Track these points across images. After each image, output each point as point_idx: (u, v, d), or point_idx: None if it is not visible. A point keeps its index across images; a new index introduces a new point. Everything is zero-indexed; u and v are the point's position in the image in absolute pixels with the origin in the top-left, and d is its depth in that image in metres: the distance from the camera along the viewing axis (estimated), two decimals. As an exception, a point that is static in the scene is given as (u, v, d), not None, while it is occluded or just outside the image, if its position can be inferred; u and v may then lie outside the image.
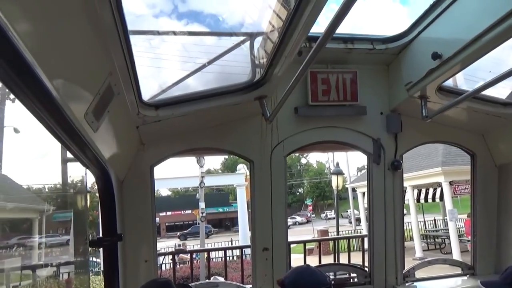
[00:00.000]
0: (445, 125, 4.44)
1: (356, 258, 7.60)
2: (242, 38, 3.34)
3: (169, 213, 48.59)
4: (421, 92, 3.78)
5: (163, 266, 11.92)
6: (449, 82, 3.84)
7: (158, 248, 4.17)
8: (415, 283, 4.45)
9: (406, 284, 4.39)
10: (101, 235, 3.00)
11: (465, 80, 4.09)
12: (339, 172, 20.13)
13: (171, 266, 9.00)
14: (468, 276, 4.67)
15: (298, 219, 52.31)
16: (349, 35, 3.85)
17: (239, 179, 20.00)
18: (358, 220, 28.69)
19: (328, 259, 11.43)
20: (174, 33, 3.18)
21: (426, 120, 3.84)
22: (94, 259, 15.54)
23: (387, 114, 4.27)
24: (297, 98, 3.97)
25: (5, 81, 1.27)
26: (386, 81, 4.19)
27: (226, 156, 64.51)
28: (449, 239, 17.03)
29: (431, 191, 20.15)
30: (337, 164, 21.44)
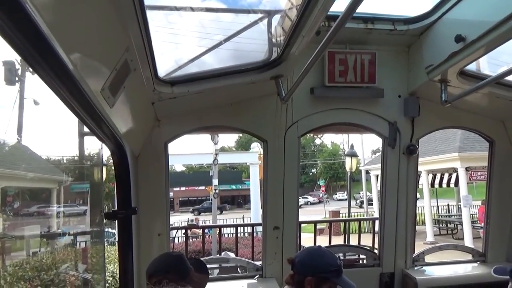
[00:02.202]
0: (465, 111, 4.34)
1: (366, 240, 7.64)
2: (260, 15, 3.28)
3: (183, 188, 49.45)
4: (442, 76, 3.67)
5: (176, 239, 12.22)
6: (471, 66, 3.72)
7: (171, 222, 4.27)
8: (424, 267, 4.46)
9: (415, 268, 4.41)
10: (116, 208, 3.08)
11: (488, 63, 3.96)
12: (353, 154, 20.02)
13: (184, 240, 9.23)
14: (479, 263, 4.66)
15: (310, 199, 52.59)
16: (370, 15, 3.74)
17: (252, 157, 20.08)
18: (369, 200, 28.78)
19: (338, 240, 11.51)
20: (192, 9, 3.14)
21: (445, 105, 3.75)
22: (110, 230, 16.04)
23: (405, 97, 4.18)
24: (313, 78, 3.92)
25: (25, 56, 1.28)
26: (406, 63, 4.09)
27: (241, 134, 64.75)
28: (462, 225, 16.94)
29: (446, 176, 19.93)
30: (352, 146, 21.31)
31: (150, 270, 2.43)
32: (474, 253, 4.78)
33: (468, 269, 4.66)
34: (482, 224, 16.03)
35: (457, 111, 4.27)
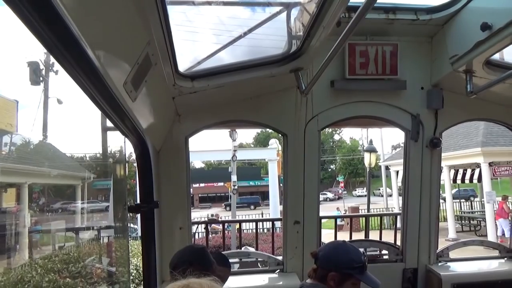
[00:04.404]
0: (491, 102, 4.20)
1: (387, 237, 7.52)
2: (278, 8, 3.26)
3: (202, 184, 49.88)
4: (467, 66, 3.57)
5: (196, 234, 12.36)
6: (497, 56, 3.59)
7: (191, 218, 4.31)
8: (448, 263, 4.36)
9: (440, 264, 4.32)
10: (138, 202, 3.13)
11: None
12: (372, 150, 19.84)
13: (204, 235, 9.33)
14: (506, 259, 4.52)
15: (329, 195, 52.26)
16: (391, 5, 3.66)
17: (271, 153, 20.12)
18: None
19: (358, 236, 11.39)
20: (209, 3, 3.15)
21: (470, 96, 3.65)
22: (132, 225, 16.40)
23: (428, 89, 4.08)
24: (334, 71, 3.87)
25: (53, 52, 1.32)
26: (429, 54, 3.98)
27: (259, 131, 64.85)
28: (485, 221, 16.58)
29: (469, 171, 19.48)
30: (371, 141, 21.15)
31: (174, 262, 2.47)
32: (501, 249, 4.64)
33: (494, 265, 4.52)
34: (498, 220, 15.91)
35: (483, 103, 4.14)
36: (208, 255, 2.54)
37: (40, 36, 1.19)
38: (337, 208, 27.82)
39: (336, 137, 72.14)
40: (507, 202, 16.93)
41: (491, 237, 15.36)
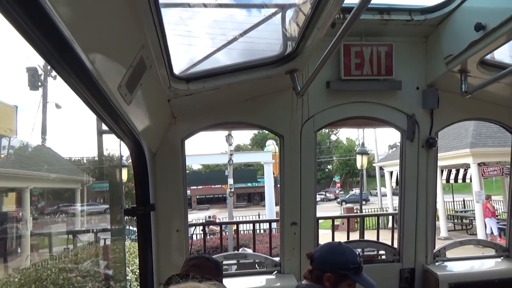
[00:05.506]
0: (486, 101, 4.22)
1: (383, 236, 7.54)
2: (273, 10, 3.26)
3: (200, 186, 49.93)
4: (462, 66, 3.58)
5: (194, 236, 12.37)
6: (491, 56, 3.61)
7: (189, 220, 4.29)
8: (445, 263, 4.38)
9: (436, 264, 4.33)
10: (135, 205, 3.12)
11: (509, 53, 3.84)
12: (364, 152, 20.20)
13: (202, 236, 9.34)
14: (502, 258, 4.54)
15: (327, 195, 52.47)
16: (385, 5, 3.67)
17: (266, 156, 20.27)
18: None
19: (354, 236, 11.41)
20: (205, 5, 3.14)
21: (465, 96, 3.66)
22: (132, 227, 16.45)
23: (423, 89, 4.10)
24: (329, 72, 3.88)
25: (46, 56, 1.32)
26: (424, 54, 4.00)
27: (256, 132, 64.90)
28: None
29: (461, 171, 19.73)
30: (363, 144, 21.53)
31: (193, 255, 2.56)
32: (497, 248, 4.65)
33: (491, 265, 4.54)
34: (485, 219, 16.30)
35: (478, 102, 4.15)
36: (222, 271, 2.62)
37: (32, 40, 1.18)
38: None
39: (333, 137, 72.33)
40: (491, 202, 17.23)
41: (480, 236, 15.59)
